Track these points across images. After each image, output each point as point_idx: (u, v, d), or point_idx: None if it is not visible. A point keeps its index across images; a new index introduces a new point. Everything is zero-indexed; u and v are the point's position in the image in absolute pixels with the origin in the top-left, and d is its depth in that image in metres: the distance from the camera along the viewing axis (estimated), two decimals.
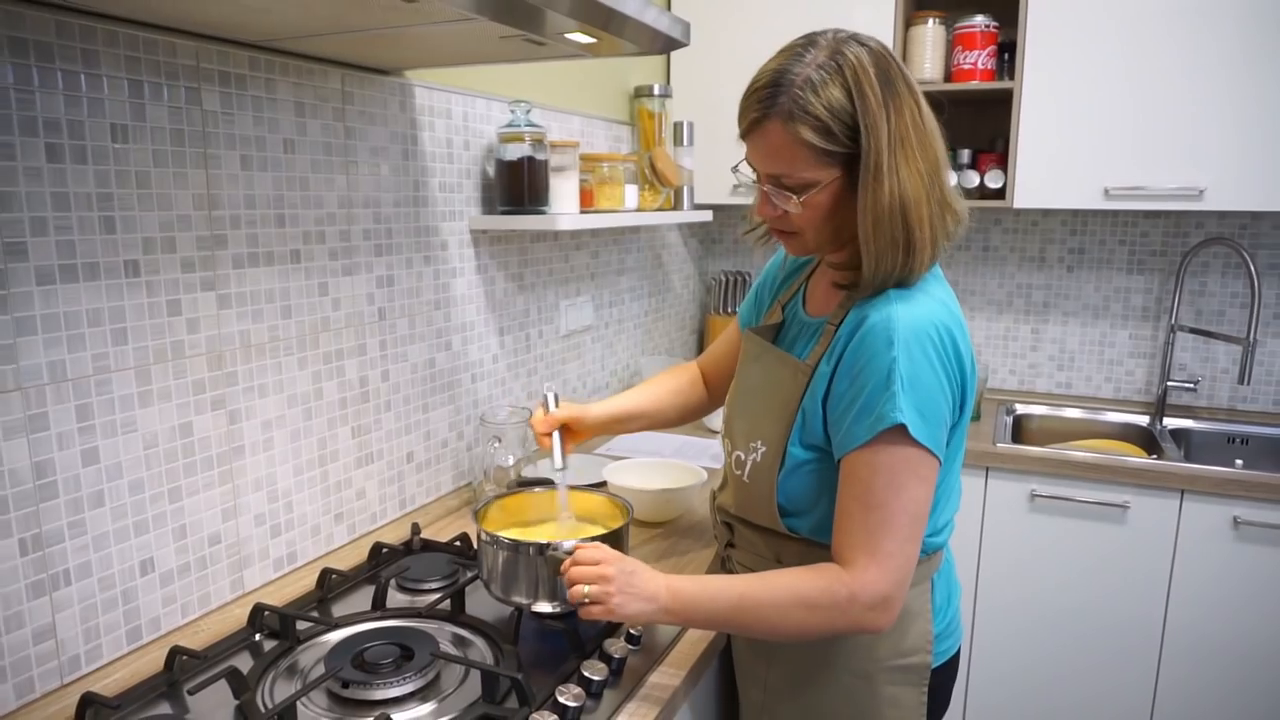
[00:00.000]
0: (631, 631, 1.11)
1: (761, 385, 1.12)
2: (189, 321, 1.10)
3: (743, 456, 1.11)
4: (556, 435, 1.25)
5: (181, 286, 1.09)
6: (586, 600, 0.98)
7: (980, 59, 2.18)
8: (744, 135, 1.00)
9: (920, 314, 0.96)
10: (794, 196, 0.98)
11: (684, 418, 1.41)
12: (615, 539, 1.13)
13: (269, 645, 1.10)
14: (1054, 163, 2.13)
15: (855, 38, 0.97)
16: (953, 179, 1.03)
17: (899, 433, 0.93)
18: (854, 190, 0.95)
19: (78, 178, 0.96)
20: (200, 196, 1.10)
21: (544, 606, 1.10)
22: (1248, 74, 1.94)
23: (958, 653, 1.16)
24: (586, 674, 1.00)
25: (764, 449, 1.07)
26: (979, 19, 2.17)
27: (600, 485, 1.58)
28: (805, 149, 0.94)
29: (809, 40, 0.97)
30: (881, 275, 0.97)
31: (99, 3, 0.91)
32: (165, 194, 1.06)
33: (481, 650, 1.10)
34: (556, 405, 1.28)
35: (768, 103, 0.94)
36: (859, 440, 0.95)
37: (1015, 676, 2.11)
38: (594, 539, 1.10)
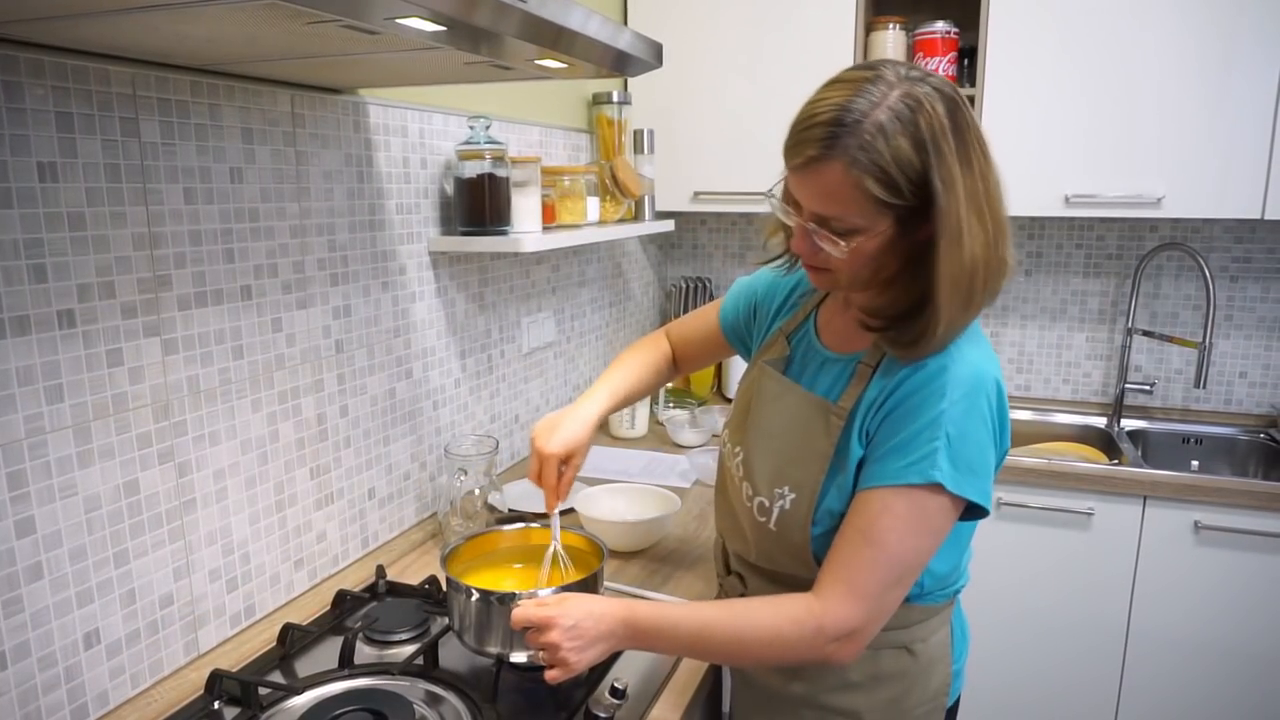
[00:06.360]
0: (616, 685, 1.06)
1: (787, 428, 1.05)
2: (131, 371, 1.02)
3: (766, 503, 1.04)
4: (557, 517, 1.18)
5: (123, 334, 1.00)
6: (545, 663, 0.96)
7: (941, 65, 2.16)
8: (795, 169, 0.90)
9: (974, 367, 0.92)
10: (840, 242, 0.90)
11: (655, 390, 1.42)
12: (589, 585, 1.09)
13: (230, 714, 1.03)
14: (1015, 169, 2.11)
15: (926, 79, 0.87)
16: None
17: (932, 488, 0.90)
18: (901, 240, 0.91)
19: (3, 224, 0.87)
20: (140, 236, 1.02)
21: (521, 656, 1.05)
22: (1203, 83, 1.95)
23: (960, 696, 1.14)
24: None
25: (793, 496, 1.01)
26: (939, 25, 2.15)
27: (569, 512, 1.53)
28: (863, 197, 0.87)
29: (875, 74, 0.87)
30: (949, 337, 0.92)
31: (23, 31, 0.82)
32: (101, 235, 0.97)
33: (457, 710, 1.04)
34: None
35: (830, 142, 0.85)
36: (885, 480, 0.92)
37: (987, 678, 2.12)
38: (568, 587, 1.05)
